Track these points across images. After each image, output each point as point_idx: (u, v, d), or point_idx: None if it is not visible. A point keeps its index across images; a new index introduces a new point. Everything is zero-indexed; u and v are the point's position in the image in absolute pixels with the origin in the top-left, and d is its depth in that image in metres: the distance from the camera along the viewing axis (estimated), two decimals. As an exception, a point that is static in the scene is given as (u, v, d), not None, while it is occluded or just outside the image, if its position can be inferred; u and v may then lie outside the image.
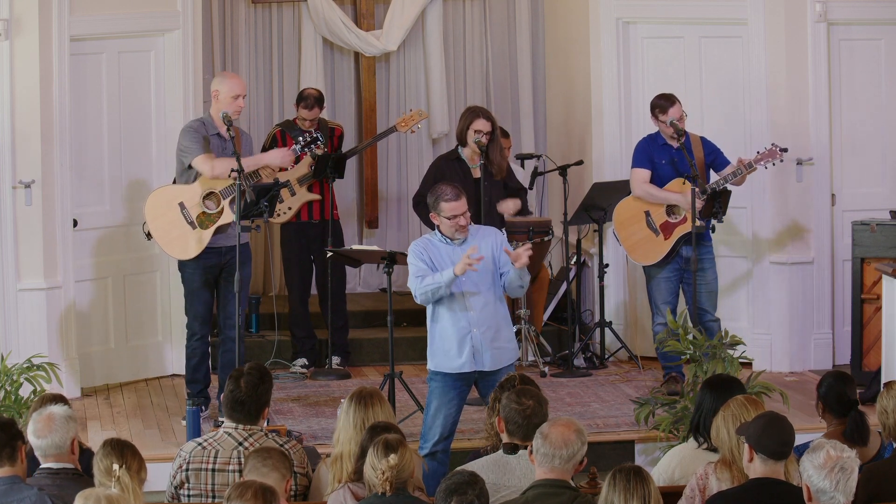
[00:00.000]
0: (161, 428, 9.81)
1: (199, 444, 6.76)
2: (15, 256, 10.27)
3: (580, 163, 11.62)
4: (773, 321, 11.15)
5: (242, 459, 6.50)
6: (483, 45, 13.15)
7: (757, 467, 5.82)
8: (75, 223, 10.54)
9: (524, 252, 8.03)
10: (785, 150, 10.26)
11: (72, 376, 10.38)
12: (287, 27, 12.80)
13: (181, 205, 9.72)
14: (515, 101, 13.18)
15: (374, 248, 10.37)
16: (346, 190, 12.67)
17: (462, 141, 10.39)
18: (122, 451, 5.98)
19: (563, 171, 11.33)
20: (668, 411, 8.93)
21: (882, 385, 7.45)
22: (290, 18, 12.80)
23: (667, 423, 8.84)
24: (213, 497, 6.64)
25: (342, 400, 6.82)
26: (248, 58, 12.68)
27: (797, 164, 11.02)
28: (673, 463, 6.81)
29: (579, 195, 11.42)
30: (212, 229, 9.71)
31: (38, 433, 6.19)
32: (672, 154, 10.42)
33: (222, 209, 9.70)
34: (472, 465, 6.39)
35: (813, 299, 11.15)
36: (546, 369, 11.07)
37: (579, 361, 11.26)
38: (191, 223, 9.72)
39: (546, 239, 11.53)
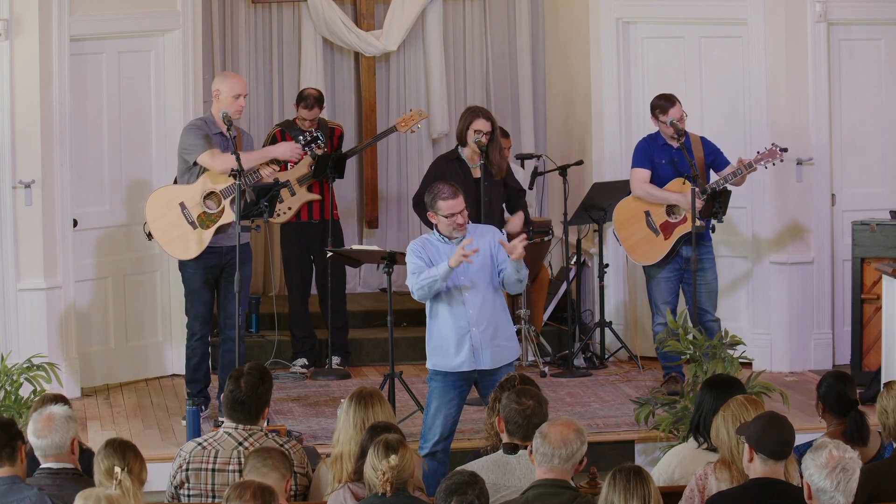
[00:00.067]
0: (161, 428, 9.81)
1: (199, 444, 6.76)
2: (15, 256, 10.27)
3: (580, 163, 11.62)
4: (773, 321, 11.15)
5: (242, 459, 6.50)
6: (483, 45, 13.15)
7: (757, 467, 5.82)
8: (75, 223, 10.54)
9: (519, 243, 8.01)
10: (785, 149, 10.26)
11: (72, 376, 10.38)
12: (287, 27, 12.80)
13: (182, 205, 9.72)
14: (515, 101, 13.18)
15: (374, 248, 10.37)
16: (346, 190, 12.67)
17: (462, 141, 10.39)
18: (125, 452, 5.97)
19: (563, 171, 11.33)
20: (668, 411, 8.93)
21: (882, 385, 7.45)
22: (290, 18, 12.80)
23: (667, 423, 8.84)
24: (213, 497, 6.64)
25: (342, 400, 6.82)
26: (248, 58, 12.68)
27: (797, 164, 11.03)
28: (673, 463, 6.81)
29: (579, 195, 11.42)
30: (212, 229, 9.71)
31: (38, 433, 6.18)
32: (672, 154, 10.42)
33: (223, 209, 9.69)
34: (472, 465, 6.39)
35: (813, 299, 11.15)
36: (546, 369, 11.07)
37: (579, 361, 11.26)
38: (191, 223, 9.72)
39: (546, 239, 11.53)
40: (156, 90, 11.02)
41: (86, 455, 6.65)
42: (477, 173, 10.34)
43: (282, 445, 6.63)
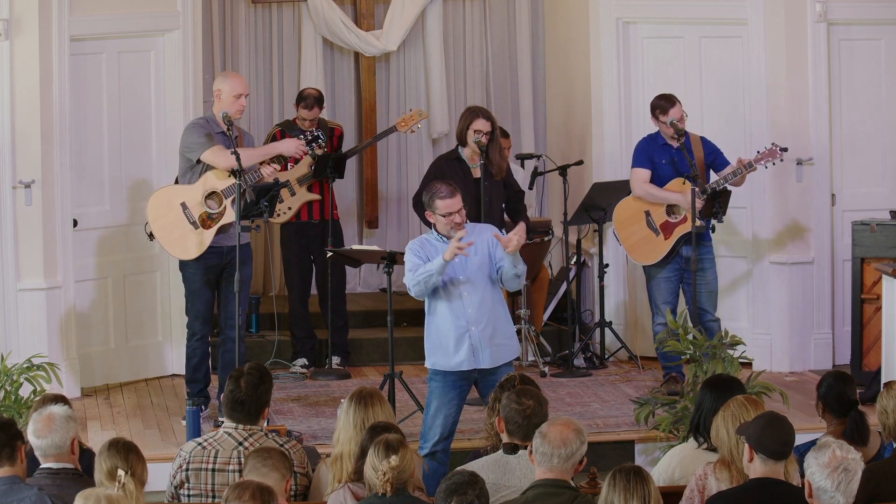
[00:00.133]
0: (161, 428, 9.81)
1: (199, 444, 6.76)
2: (15, 256, 10.27)
3: (580, 163, 11.62)
4: (773, 321, 11.15)
5: (242, 459, 6.50)
6: (483, 45, 13.15)
7: (757, 467, 5.82)
8: (75, 223, 10.54)
9: (514, 235, 8.00)
10: (785, 149, 10.26)
11: (72, 376, 10.38)
12: (287, 27, 12.80)
13: (183, 205, 9.72)
14: (515, 101, 13.18)
15: (374, 248, 10.37)
16: (346, 190, 12.67)
17: (462, 141, 10.39)
18: (128, 454, 5.96)
19: (563, 171, 11.33)
20: (668, 411, 8.93)
21: (882, 385, 7.45)
22: (290, 18, 12.80)
23: (667, 423, 8.84)
24: (213, 497, 6.64)
25: (342, 400, 6.82)
26: (248, 58, 12.68)
27: (797, 164, 11.03)
28: (673, 463, 6.80)
29: (579, 195, 11.42)
30: (214, 229, 9.71)
31: (38, 433, 6.18)
32: (672, 154, 10.42)
33: (224, 209, 9.69)
34: (472, 465, 6.39)
35: (813, 299, 11.15)
36: (546, 369, 11.07)
37: (579, 361, 11.26)
38: (193, 223, 9.72)
39: (546, 239, 11.53)
40: (156, 90, 11.01)
41: (86, 455, 6.64)
42: (477, 173, 10.34)
43: (282, 445, 6.63)
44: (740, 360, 9.12)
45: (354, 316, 11.69)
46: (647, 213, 10.51)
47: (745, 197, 11.04)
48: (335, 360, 11.19)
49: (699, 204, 10.07)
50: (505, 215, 10.57)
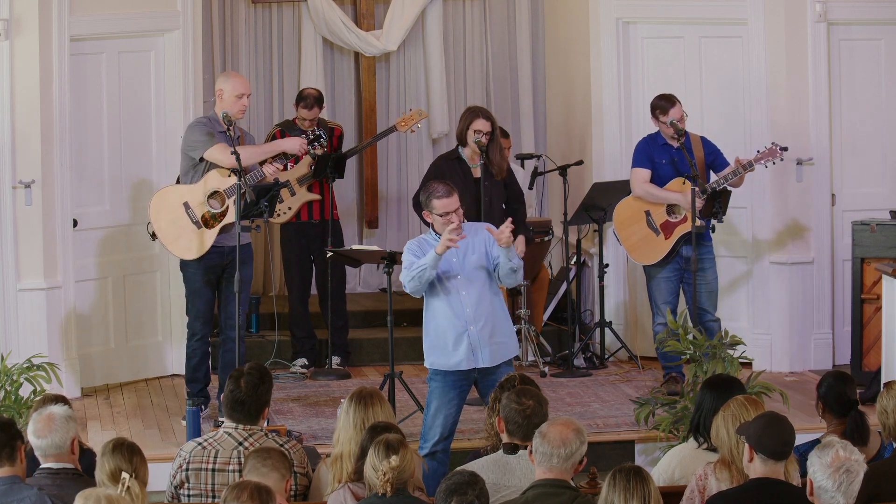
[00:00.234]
0: (161, 428, 9.81)
1: (199, 443, 6.76)
2: (15, 256, 10.27)
3: (580, 163, 11.62)
4: (773, 321, 11.15)
5: (242, 459, 6.49)
6: (483, 45, 13.15)
7: (757, 467, 5.82)
8: (75, 223, 10.54)
9: (506, 227, 7.98)
10: (785, 148, 10.26)
11: (72, 376, 10.38)
12: (287, 27, 12.80)
13: (186, 204, 9.71)
14: (515, 101, 13.18)
15: (374, 248, 10.37)
16: (346, 190, 12.67)
17: (462, 141, 10.39)
18: (132, 457, 5.96)
19: (563, 171, 11.33)
20: (668, 411, 8.93)
21: (882, 385, 7.45)
22: (290, 18, 12.80)
23: (667, 423, 8.84)
24: (213, 497, 6.64)
25: (342, 400, 6.82)
26: (248, 58, 12.68)
27: (797, 164, 11.03)
28: (673, 463, 6.80)
29: (579, 195, 11.42)
30: (216, 229, 9.71)
31: (38, 433, 6.18)
32: (672, 154, 10.42)
33: (227, 209, 9.68)
34: (472, 465, 6.39)
35: (813, 299, 11.15)
36: (546, 369, 11.07)
37: (579, 361, 11.26)
38: (195, 223, 9.71)
39: (546, 239, 11.53)
40: (156, 90, 11.02)
41: (86, 455, 6.64)
42: (477, 173, 10.34)
43: (282, 445, 6.63)
44: (740, 360, 9.12)
45: (354, 316, 11.69)
46: (648, 213, 10.51)
47: (745, 197, 11.04)
48: (335, 360, 11.19)
49: (699, 204, 10.07)
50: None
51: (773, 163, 10.27)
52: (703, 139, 10.55)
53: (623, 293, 11.76)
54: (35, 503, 5.97)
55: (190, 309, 9.97)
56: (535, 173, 11.88)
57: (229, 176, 9.63)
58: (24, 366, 8.74)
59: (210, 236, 9.70)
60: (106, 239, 10.87)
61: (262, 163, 9.81)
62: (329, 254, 10.42)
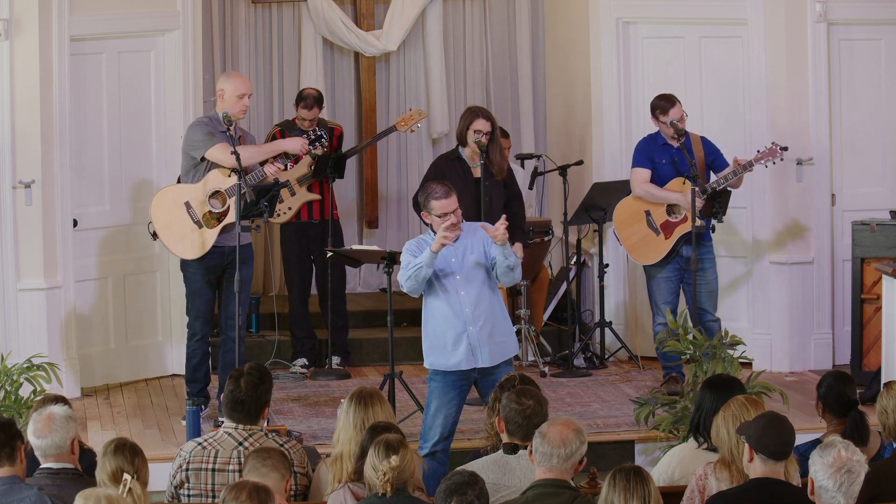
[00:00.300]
0: (161, 428, 9.81)
1: (199, 443, 6.76)
2: (15, 256, 10.27)
3: (580, 163, 11.62)
4: (773, 321, 11.15)
5: (242, 459, 6.49)
6: (483, 45, 13.15)
7: (757, 467, 5.82)
8: (75, 223, 10.54)
9: (501, 224, 7.97)
10: (785, 148, 10.26)
11: (72, 376, 10.38)
12: (287, 27, 12.80)
13: (187, 204, 9.71)
14: (515, 101, 13.18)
15: (374, 248, 10.37)
16: (346, 190, 12.67)
17: (462, 141, 10.39)
18: (134, 458, 5.96)
19: (563, 171, 11.33)
20: (668, 411, 8.93)
21: (882, 385, 7.45)
22: (290, 18, 12.80)
23: (667, 423, 8.84)
24: (213, 497, 6.64)
25: (342, 400, 6.82)
26: (248, 58, 12.68)
27: (797, 164, 11.03)
28: (673, 463, 6.81)
29: (579, 195, 11.42)
30: (217, 228, 9.70)
31: (38, 433, 6.18)
32: (672, 154, 10.42)
33: (228, 208, 9.68)
34: (472, 465, 6.39)
35: (813, 299, 11.15)
36: (546, 369, 11.07)
37: (579, 361, 11.26)
38: (197, 222, 9.71)
39: (546, 239, 11.53)
40: (156, 90, 11.01)
41: (86, 455, 6.64)
42: (477, 173, 10.34)
43: (282, 445, 6.63)
44: (740, 360, 9.12)
45: (354, 316, 11.69)
46: (648, 213, 10.51)
47: (745, 197, 11.04)
48: (335, 360, 11.19)
49: (699, 204, 10.07)
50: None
51: (774, 162, 10.27)
52: (703, 139, 10.55)
53: (623, 293, 11.76)
54: (35, 503, 5.97)
55: (190, 309, 9.97)
56: (535, 173, 11.88)
57: (230, 175, 9.63)
58: (24, 366, 8.74)
59: (211, 236, 9.70)
60: (106, 239, 10.87)
61: (263, 163, 9.81)
62: (329, 254, 10.42)
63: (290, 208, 11.02)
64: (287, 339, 11.40)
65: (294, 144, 10.10)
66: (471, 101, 12.73)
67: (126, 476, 5.78)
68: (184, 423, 9.45)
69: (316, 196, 11.11)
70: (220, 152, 9.60)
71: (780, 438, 5.80)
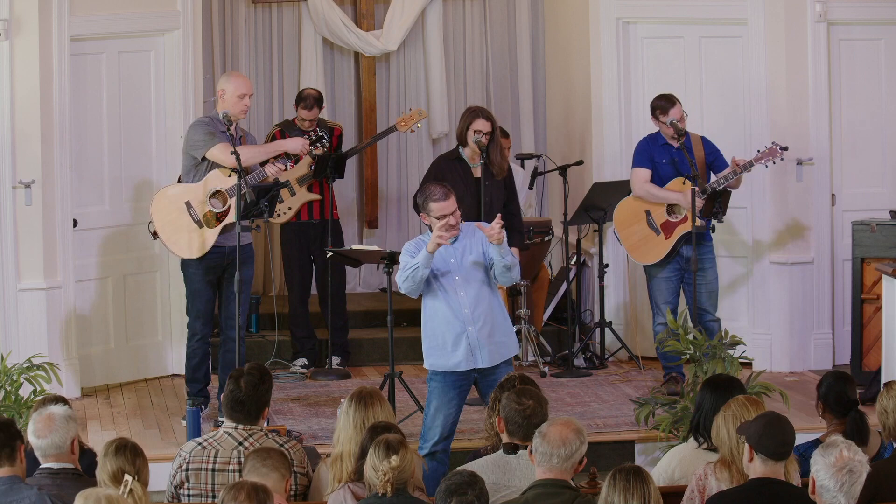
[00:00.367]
0: (161, 428, 9.81)
1: (199, 443, 6.76)
2: (15, 256, 10.27)
3: (580, 163, 11.62)
4: (773, 321, 11.15)
5: (242, 459, 6.49)
6: (483, 45, 13.15)
7: (757, 467, 5.82)
8: (75, 223, 10.54)
9: (496, 224, 7.96)
10: (785, 148, 10.26)
11: (72, 376, 10.38)
12: (287, 27, 12.80)
13: (188, 203, 9.71)
14: (515, 101, 13.18)
15: (374, 248, 10.37)
16: (346, 190, 12.67)
17: (462, 141, 10.39)
18: (135, 459, 5.95)
19: (563, 171, 11.33)
20: (668, 411, 8.93)
21: (882, 385, 7.45)
22: (290, 18, 12.80)
23: (667, 423, 8.84)
24: (213, 497, 6.64)
25: (342, 400, 6.82)
26: (248, 58, 12.68)
27: (797, 164, 11.03)
28: (673, 463, 6.81)
29: (579, 195, 11.42)
30: (217, 228, 9.70)
31: (38, 433, 6.19)
32: (672, 154, 10.42)
33: (228, 208, 9.68)
34: (472, 465, 6.39)
35: (813, 299, 11.15)
36: (546, 369, 11.07)
37: (579, 361, 11.26)
38: (197, 222, 9.71)
39: (546, 239, 11.53)
40: (156, 90, 11.01)
41: (86, 455, 6.65)
42: (477, 173, 10.33)
43: (282, 445, 6.63)
44: (740, 360, 9.12)
45: (354, 316, 11.69)
46: (648, 213, 10.51)
47: (745, 197, 11.04)
48: (335, 360, 11.19)
49: (699, 203, 10.07)
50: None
51: (774, 162, 10.27)
52: (704, 139, 10.55)
53: (623, 293, 11.76)
54: (35, 503, 5.97)
55: (190, 309, 9.97)
56: (535, 173, 11.88)
57: (230, 175, 9.62)
58: (24, 366, 8.73)
59: (211, 236, 9.70)
60: (106, 239, 10.87)
61: (264, 163, 9.81)
62: (329, 254, 10.42)
63: (290, 208, 11.02)
64: (287, 339, 11.40)
65: (295, 145, 10.11)
66: (471, 101, 12.73)
67: (127, 477, 5.78)
68: (184, 423, 9.45)
69: (316, 196, 11.11)
70: (220, 152, 9.59)
71: (780, 438, 5.80)
